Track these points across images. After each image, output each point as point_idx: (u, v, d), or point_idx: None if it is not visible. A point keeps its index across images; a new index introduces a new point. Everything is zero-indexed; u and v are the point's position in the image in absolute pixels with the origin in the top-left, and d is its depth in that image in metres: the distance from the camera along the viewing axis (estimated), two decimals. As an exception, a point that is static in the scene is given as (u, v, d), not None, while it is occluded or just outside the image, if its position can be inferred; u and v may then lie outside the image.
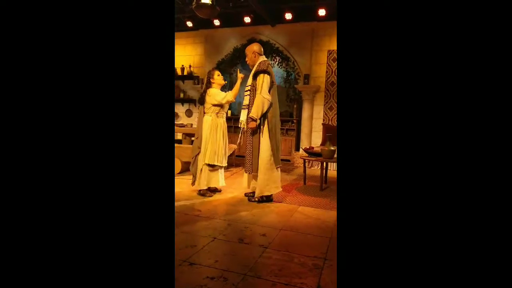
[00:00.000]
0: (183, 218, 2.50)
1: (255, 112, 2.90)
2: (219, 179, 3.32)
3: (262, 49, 3.18)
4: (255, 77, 2.99)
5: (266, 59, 3.11)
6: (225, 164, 3.31)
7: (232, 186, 3.73)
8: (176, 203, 2.92)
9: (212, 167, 3.22)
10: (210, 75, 3.35)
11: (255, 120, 2.91)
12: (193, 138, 4.38)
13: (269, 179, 2.98)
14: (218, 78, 3.32)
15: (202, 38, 6.95)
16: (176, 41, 7.12)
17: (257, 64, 3.03)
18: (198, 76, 6.97)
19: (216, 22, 6.21)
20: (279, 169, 3.06)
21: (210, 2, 4.04)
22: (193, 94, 7.04)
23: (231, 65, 6.78)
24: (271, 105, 2.96)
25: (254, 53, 3.10)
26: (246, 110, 3.04)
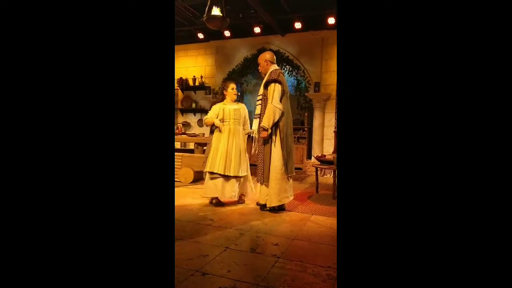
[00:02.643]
0: (195, 227, 2.51)
1: (266, 122, 2.91)
2: (220, 188, 3.12)
3: (275, 57, 3.21)
4: (266, 86, 3.01)
5: (277, 67, 3.13)
6: (233, 173, 3.13)
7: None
8: (188, 213, 2.94)
9: (211, 175, 3.12)
10: (224, 87, 3.36)
11: (266, 130, 2.92)
12: (205, 148, 4.43)
13: (281, 188, 2.96)
14: (230, 92, 3.32)
15: (213, 49, 7.06)
16: (188, 52, 7.27)
17: (268, 73, 3.05)
18: (210, 87, 7.06)
19: (227, 33, 6.30)
20: (290, 178, 3.04)
21: (221, 14, 4.13)
22: (205, 104, 7.13)
23: (242, 75, 6.86)
24: (282, 114, 2.95)
25: (267, 61, 3.13)
26: (258, 120, 3.05)
